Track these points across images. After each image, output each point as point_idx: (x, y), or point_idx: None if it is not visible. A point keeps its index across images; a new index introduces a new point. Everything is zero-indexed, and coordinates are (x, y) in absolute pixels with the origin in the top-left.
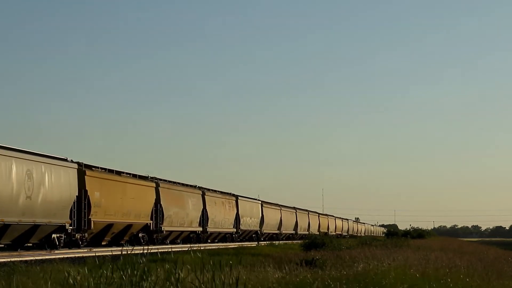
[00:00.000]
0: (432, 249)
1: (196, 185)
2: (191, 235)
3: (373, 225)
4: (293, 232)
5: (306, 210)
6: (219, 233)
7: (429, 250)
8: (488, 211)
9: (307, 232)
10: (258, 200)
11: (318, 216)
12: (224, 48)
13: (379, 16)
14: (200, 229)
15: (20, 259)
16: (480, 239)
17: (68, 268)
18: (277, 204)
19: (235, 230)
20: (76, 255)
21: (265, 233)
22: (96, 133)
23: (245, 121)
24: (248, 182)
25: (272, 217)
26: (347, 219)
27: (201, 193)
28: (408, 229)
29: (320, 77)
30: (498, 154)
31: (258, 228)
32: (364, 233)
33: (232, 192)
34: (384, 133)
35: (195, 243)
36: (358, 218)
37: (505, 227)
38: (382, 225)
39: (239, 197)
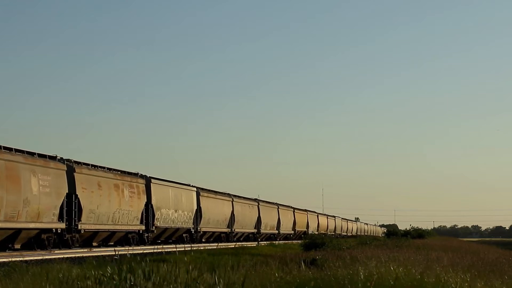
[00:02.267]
0: (433, 249)
1: (56, 156)
2: (43, 236)
3: (367, 224)
4: (254, 230)
5: (276, 204)
6: (111, 232)
7: (430, 250)
8: (488, 211)
9: (277, 231)
10: (193, 186)
11: (293, 211)
12: (214, 45)
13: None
14: (62, 226)
15: (21, 259)
16: (480, 239)
17: (66, 268)
18: (227, 194)
19: (143, 227)
20: (76, 255)
21: (204, 231)
22: None
23: (244, 120)
24: (247, 182)
25: (216, 211)
26: (334, 216)
27: (66, 169)
28: (408, 229)
29: (320, 76)
30: (498, 154)
31: (191, 225)
32: (357, 233)
33: (141, 173)
34: (384, 132)
35: (57, 247)
36: (358, 218)
37: (505, 227)
38: (382, 225)
39: (152, 180)
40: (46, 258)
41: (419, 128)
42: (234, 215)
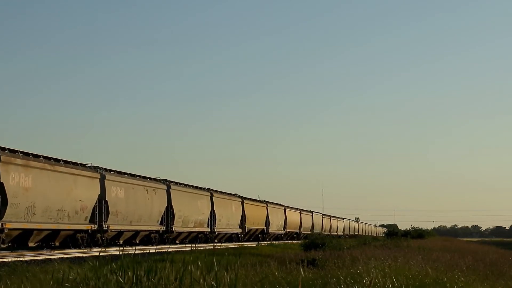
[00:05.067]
0: (433, 250)
1: None
2: None
3: (358, 222)
4: (160, 228)
5: (208, 190)
6: None
7: (430, 251)
8: (488, 211)
9: (208, 229)
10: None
11: (242, 203)
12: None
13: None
14: None
15: (21, 259)
16: (480, 239)
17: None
18: (94, 168)
19: None
20: (76, 255)
21: (19, 229)
22: None
23: (244, 120)
24: (248, 182)
25: (52, 193)
26: (311, 212)
27: None
28: (408, 229)
29: (320, 76)
30: (498, 154)
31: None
32: (344, 233)
33: None
34: (384, 132)
35: None
36: (358, 218)
37: (505, 227)
38: (382, 225)
39: None
40: (46, 258)
41: (419, 128)
42: (107, 203)
